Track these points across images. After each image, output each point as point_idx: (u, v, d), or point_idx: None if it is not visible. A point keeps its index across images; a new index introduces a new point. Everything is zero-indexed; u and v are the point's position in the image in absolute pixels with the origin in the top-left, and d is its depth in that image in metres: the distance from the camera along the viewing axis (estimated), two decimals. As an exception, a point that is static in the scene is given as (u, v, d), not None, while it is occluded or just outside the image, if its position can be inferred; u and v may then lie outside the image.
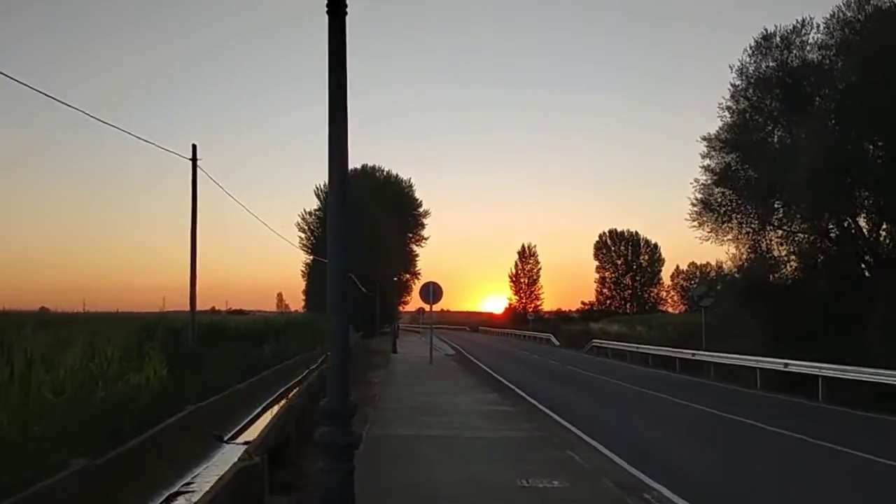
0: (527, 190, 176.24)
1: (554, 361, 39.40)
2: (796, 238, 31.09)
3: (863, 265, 29.44)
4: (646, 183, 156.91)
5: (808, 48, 29.69)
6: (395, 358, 39.32)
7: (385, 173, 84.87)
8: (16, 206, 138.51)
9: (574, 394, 23.41)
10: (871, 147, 28.29)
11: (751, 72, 30.74)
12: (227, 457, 9.10)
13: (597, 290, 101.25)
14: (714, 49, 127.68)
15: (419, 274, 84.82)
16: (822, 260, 30.32)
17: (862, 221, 29.14)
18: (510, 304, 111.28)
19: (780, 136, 31.23)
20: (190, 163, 25.31)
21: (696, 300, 37.41)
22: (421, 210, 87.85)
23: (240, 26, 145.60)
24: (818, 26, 29.24)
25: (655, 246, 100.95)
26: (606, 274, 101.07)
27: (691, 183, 33.23)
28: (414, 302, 79.85)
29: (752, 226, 31.88)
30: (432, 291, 33.81)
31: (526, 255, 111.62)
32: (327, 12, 5.58)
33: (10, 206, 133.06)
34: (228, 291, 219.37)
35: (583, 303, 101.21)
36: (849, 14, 27.93)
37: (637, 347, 40.18)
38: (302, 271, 79.66)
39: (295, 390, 16.49)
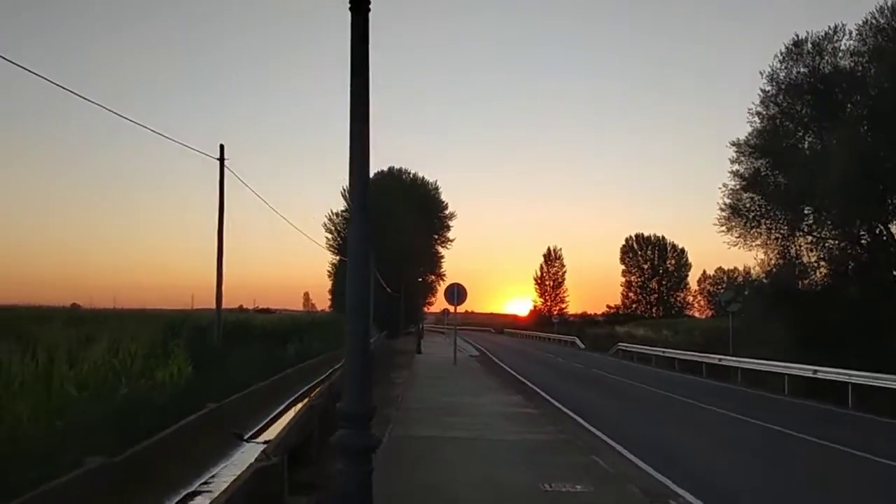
0: (554, 192, 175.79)
1: (578, 364, 39.17)
2: (826, 244, 30.70)
3: (894, 272, 29.00)
4: (674, 187, 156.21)
5: (840, 55, 29.50)
6: (419, 359, 39.28)
7: (412, 176, 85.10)
8: (53, 205, 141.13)
9: (599, 397, 23.21)
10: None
11: (781, 77, 30.61)
12: (247, 456, 9.05)
13: (622, 294, 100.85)
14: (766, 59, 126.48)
15: (444, 275, 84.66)
16: (852, 266, 29.91)
17: (894, 228, 28.73)
18: (535, 307, 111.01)
19: (811, 142, 30.98)
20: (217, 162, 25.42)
21: (724, 305, 37.04)
22: (447, 212, 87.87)
23: (251, 23, 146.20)
24: (850, 33, 29.09)
25: (682, 251, 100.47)
26: (632, 278, 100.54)
27: (720, 188, 33.09)
28: (439, 303, 79.98)
29: (782, 231, 31.60)
30: (457, 293, 33.69)
31: (552, 258, 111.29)
32: (350, 8, 5.49)
33: (47, 205, 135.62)
34: (257, 290, 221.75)
35: (608, 306, 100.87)
36: (882, 21, 27.68)
37: (663, 351, 39.85)
38: (328, 271, 79.91)
39: (318, 389, 16.44)
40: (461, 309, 37.78)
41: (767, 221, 31.76)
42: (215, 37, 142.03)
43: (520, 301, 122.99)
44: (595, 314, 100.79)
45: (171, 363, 15.78)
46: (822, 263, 30.85)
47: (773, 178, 31.45)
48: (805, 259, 31.32)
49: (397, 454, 11.54)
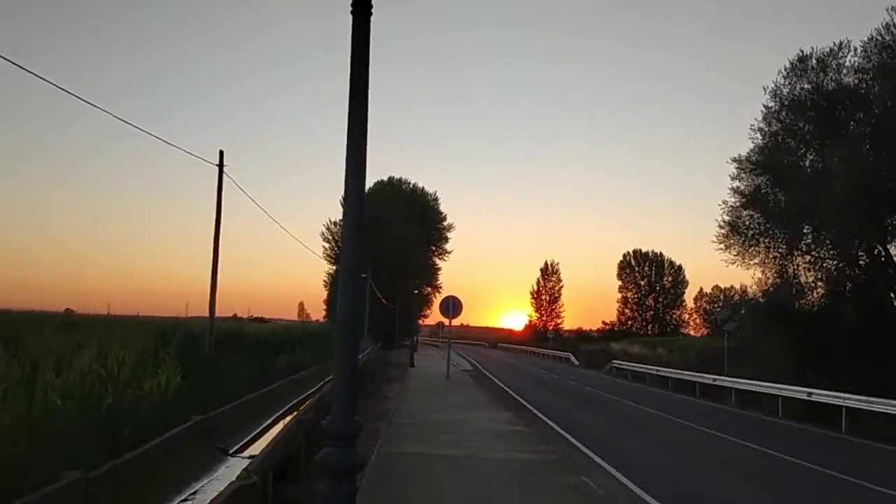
0: (552, 207, 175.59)
1: (572, 381, 38.97)
2: (824, 264, 30.63)
3: (892, 294, 28.88)
4: (673, 203, 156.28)
5: (844, 71, 29.43)
6: (412, 372, 39.06)
7: (412, 186, 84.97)
8: (51, 209, 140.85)
9: (592, 416, 23.03)
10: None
11: (784, 94, 30.54)
12: (232, 471, 8.84)
13: (618, 311, 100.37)
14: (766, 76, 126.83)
15: (440, 287, 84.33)
16: (850, 287, 29.79)
17: (893, 249, 28.65)
18: (530, 321, 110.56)
19: (813, 160, 30.89)
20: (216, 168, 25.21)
21: (720, 324, 36.94)
22: (445, 223, 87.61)
23: (252, 30, 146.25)
24: (855, 49, 29.02)
25: (679, 267, 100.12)
26: (629, 294, 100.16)
27: (719, 205, 33.08)
28: (434, 315, 79.55)
29: (780, 250, 31.50)
30: (452, 306, 33.50)
31: (548, 273, 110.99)
32: (351, 12, 5.36)
33: (46, 209, 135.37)
34: (252, 299, 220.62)
35: (604, 322, 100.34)
36: (887, 38, 27.60)
37: (657, 370, 39.67)
38: (324, 281, 79.65)
39: (307, 402, 16.22)
40: (456, 322, 37.64)
41: (766, 239, 31.69)
42: (217, 43, 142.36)
43: (515, 315, 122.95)
44: (590, 330, 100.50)
45: (161, 372, 15.52)
46: (820, 283, 30.77)
47: (773, 195, 31.36)
48: (802, 279, 31.27)
49: (386, 470, 11.39)
